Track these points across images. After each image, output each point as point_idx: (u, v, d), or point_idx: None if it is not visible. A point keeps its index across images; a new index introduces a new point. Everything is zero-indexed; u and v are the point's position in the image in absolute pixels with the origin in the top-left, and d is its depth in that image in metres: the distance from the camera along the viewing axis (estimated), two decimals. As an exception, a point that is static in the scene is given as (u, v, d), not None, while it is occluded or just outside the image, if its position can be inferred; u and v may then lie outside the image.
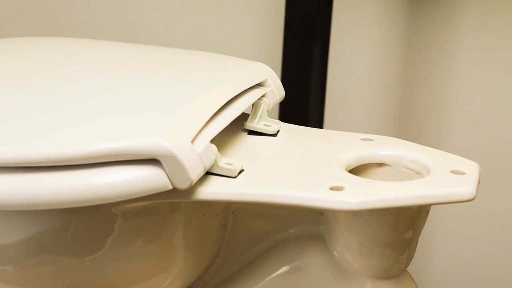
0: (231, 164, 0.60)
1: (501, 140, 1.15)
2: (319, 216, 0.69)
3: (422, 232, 0.67)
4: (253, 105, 0.71)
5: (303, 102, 1.11)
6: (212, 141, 0.59)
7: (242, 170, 0.61)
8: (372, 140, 0.68)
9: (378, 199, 0.57)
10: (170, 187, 0.54)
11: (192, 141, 0.56)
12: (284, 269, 0.71)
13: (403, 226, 0.65)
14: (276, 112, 1.13)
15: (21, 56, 0.77)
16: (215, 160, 0.59)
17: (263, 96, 0.72)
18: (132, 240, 0.61)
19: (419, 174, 0.63)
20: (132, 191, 0.54)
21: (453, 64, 1.14)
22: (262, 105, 0.71)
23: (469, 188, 0.58)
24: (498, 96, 1.14)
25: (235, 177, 0.59)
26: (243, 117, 0.70)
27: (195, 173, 0.55)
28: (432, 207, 0.65)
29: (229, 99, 0.65)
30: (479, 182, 0.61)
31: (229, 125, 0.63)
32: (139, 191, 0.54)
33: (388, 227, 0.64)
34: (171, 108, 0.60)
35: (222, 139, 0.65)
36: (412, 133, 1.20)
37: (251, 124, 0.70)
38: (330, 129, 1.18)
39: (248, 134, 0.70)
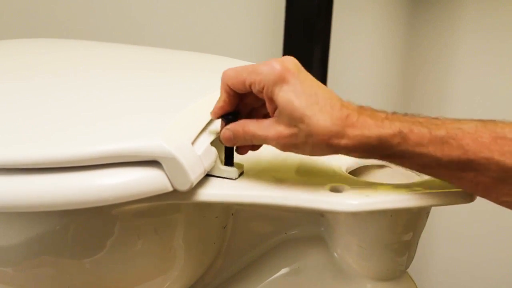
0: (232, 166, 0.60)
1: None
2: (320, 217, 0.69)
3: (422, 234, 0.67)
4: (253, 106, 0.71)
5: (303, 103, 1.11)
6: (212, 143, 0.59)
7: (243, 172, 0.61)
8: (372, 141, 0.68)
9: (378, 200, 0.57)
10: (170, 188, 0.54)
11: (193, 143, 0.56)
12: (284, 270, 0.71)
13: (403, 228, 0.65)
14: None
15: (23, 58, 0.77)
16: (216, 162, 0.59)
17: (263, 97, 0.71)
18: (133, 242, 0.61)
19: (419, 176, 0.63)
20: (132, 192, 0.54)
21: (453, 65, 1.14)
22: (262, 107, 0.71)
23: (469, 190, 0.58)
24: (498, 97, 1.14)
25: (235, 179, 0.60)
26: (244, 118, 0.70)
27: (195, 175, 0.55)
28: (432, 208, 0.65)
29: (229, 100, 0.65)
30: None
31: (229, 126, 0.63)
32: (139, 192, 0.54)
33: (388, 229, 0.64)
34: (171, 110, 0.60)
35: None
36: (412, 134, 1.20)
37: (251, 126, 0.70)
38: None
39: (248, 135, 0.70)
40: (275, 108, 0.55)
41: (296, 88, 0.55)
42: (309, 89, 0.55)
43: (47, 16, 1.34)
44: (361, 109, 0.56)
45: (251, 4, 1.22)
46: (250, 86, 0.56)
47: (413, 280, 0.71)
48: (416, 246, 0.67)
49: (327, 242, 0.69)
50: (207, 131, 0.60)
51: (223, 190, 0.58)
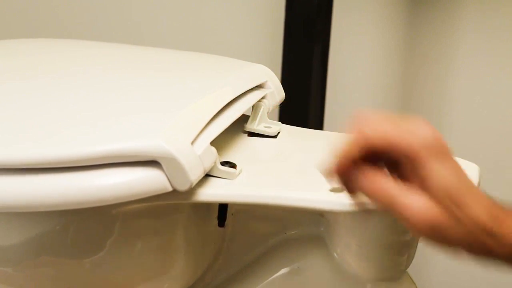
0: (230, 167, 0.60)
1: (501, 141, 1.15)
2: (319, 218, 0.69)
3: (422, 234, 0.67)
4: (253, 107, 0.71)
5: (303, 103, 1.11)
6: (212, 143, 0.59)
7: (242, 172, 0.61)
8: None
9: (378, 201, 0.57)
10: (170, 188, 0.54)
11: (192, 143, 0.56)
12: (284, 270, 0.71)
13: (403, 228, 0.65)
14: (276, 113, 1.13)
15: (23, 58, 0.77)
16: (215, 163, 0.59)
17: (263, 97, 0.72)
18: (132, 241, 0.61)
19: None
20: (131, 192, 0.54)
21: (453, 65, 1.14)
22: (262, 107, 0.71)
23: (469, 190, 0.58)
24: (498, 97, 1.14)
25: (235, 179, 0.59)
26: (243, 119, 0.70)
27: (195, 175, 0.55)
28: (432, 208, 0.65)
29: (229, 100, 0.65)
30: (479, 184, 0.61)
31: (229, 126, 0.63)
32: (138, 192, 0.54)
33: (388, 229, 0.64)
34: (171, 110, 0.60)
35: (222, 141, 0.65)
36: (412, 134, 1.20)
37: (251, 126, 0.70)
38: (330, 130, 1.18)
39: (248, 135, 0.70)
40: (421, 180, 0.47)
41: (457, 170, 0.47)
42: (464, 174, 0.48)
43: (47, 16, 1.35)
44: (499, 204, 0.49)
45: (251, 4, 1.22)
46: (394, 147, 0.47)
47: (413, 280, 0.71)
48: (416, 246, 0.67)
49: (327, 242, 0.69)
50: (207, 131, 0.60)
51: (223, 190, 0.58)
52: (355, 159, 0.48)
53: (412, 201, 0.46)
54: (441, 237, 0.47)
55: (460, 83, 1.15)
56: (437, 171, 0.46)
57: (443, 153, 0.47)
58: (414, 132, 0.47)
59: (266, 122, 0.71)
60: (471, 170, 0.62)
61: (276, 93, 0.73)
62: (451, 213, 0.46)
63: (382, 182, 0.48)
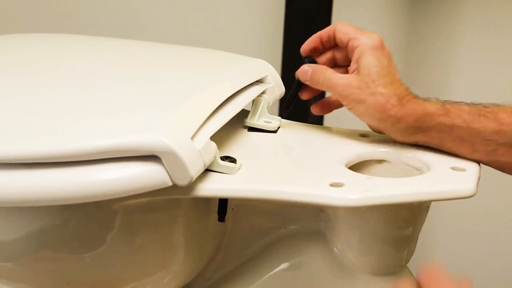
0: (230, 161, 0.60)
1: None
2: (319, 212, 0.69)
3: (422, 229, 0.67)
4: (253, 101, 0.71)
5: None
6: (212, 138, 0.59)
7: (241, 167, 0.61)
8: (372, 136, 0.68)
9: (378, 195, 0.57)
10: (170, 183, 0.54)
11: (192, 138, 0.56)
12: (284, 265, 0.71)
13: (403, 223, 0.65)
14: (276, 108, 1.13)
15: (23, 53, 0.77)
16: (215, 158, 0.59)
17: (263, 92, 0.72)
18: (132, 236, 0.61)
19: (419, 170, 0.63)
20: (131, 187, 0.54)
21: (452, 63, 1.14)
22: (262, 102, 0.71)
23: (469, 185, 0.58)
24: (498, 95, 1.14)
25: (235, 174, 0.59)
26: (244, 114, 0.70)
27: (195, 170, 0.55)
28: (432, 203, 0.65)
29: (229, 95, 0.65)
30: (479, 179, 0.61)
31: (229, 121, 0.63)
32: (138, 187, 0.54)
33: (388, 224, 0.64)
34: (171, 105, 0.60)
35: (222, 136, 0.65)
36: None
37: (251, 121, 0.70)
38: (330, 125, 1.18)
39: (248, 130, 0.70)
40: (357, 65, 0.65)
41: (383, 61, 0.65)
42: (390, 66, 0.65)
43: (46, 11, 1.34)
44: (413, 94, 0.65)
45: (252, 1, 1.22)
46: (348, 41, 0.66)
47: (413, 275, 0.71)
48: (416, 241, 0.67)
49: (327, 237, 0.69)
50: (207, 126, 0.60)
51: (223, 184, 0.58)
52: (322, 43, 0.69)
53: (338, 79, 0.65)
54: (355, 102, 0.64)
55: (460, 81, 1.15)
56: (367, 58, 0.65)
57: (379, 48, 0.66)
58: (368, 36, 0.66)
59: (266, 117, 0.71)
60: (471, 165, 0.62)
61: (276, 88, 0.73)
62: (366, 84, 0.64)
63: (322, 69, 0.67)
